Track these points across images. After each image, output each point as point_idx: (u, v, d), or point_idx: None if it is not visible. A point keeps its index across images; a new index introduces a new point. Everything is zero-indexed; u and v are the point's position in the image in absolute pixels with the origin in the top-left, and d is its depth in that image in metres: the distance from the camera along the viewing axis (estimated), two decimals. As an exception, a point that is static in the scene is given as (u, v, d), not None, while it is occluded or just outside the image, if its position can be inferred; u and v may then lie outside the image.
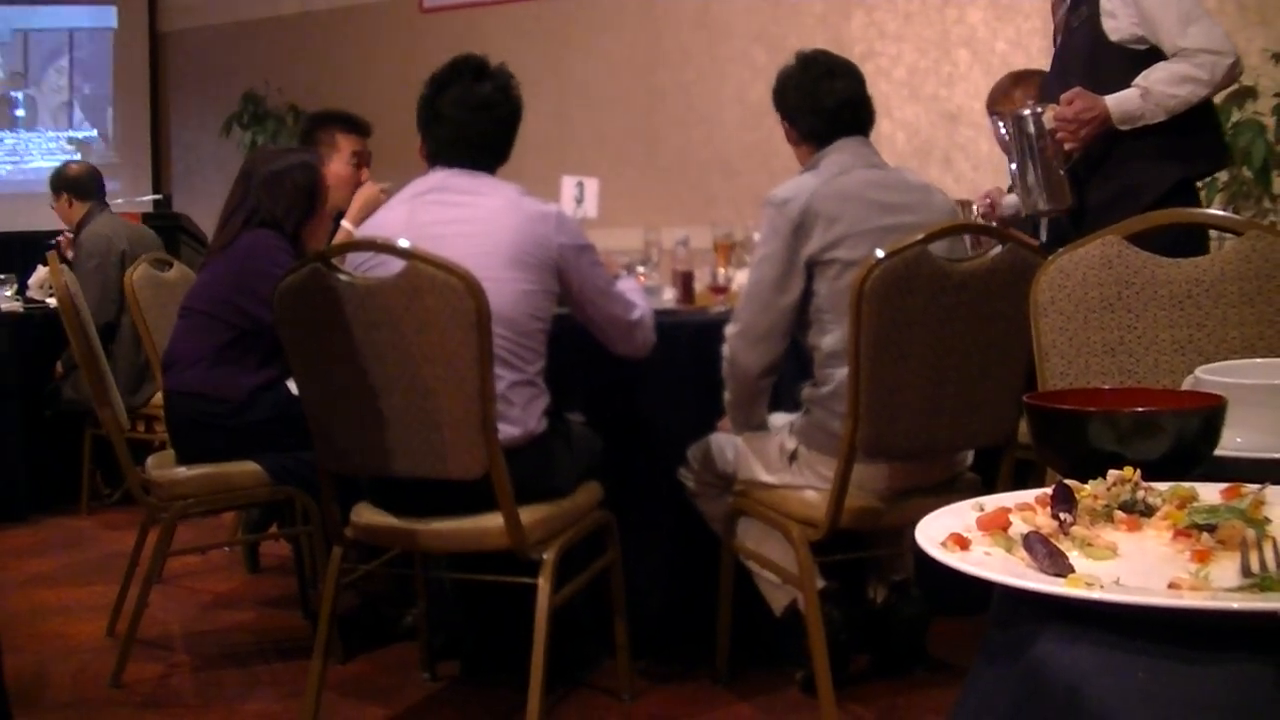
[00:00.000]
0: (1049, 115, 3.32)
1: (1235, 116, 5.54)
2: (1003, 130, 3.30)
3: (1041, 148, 3.29)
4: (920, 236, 2.70)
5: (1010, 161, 3.29)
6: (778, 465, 3.10)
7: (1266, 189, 5.53)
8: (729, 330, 3.13)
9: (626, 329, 3.14)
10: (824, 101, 3.10)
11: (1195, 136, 3.36)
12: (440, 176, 3.03)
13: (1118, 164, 3.36)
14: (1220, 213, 2.82)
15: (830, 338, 2.97)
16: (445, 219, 2.91)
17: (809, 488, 3.03)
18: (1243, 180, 5.52)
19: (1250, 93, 5.54)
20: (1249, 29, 5.71)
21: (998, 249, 2.85)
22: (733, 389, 3.17)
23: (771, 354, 3.05)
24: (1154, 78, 3.24)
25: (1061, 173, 3.32)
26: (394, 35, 8.05)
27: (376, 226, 3.02)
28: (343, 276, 2.74)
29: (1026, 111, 3.32)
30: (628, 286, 3.25)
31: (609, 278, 3.10)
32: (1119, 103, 3.26)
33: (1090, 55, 3.43)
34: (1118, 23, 3.36)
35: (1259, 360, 1.72)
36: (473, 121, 3.04)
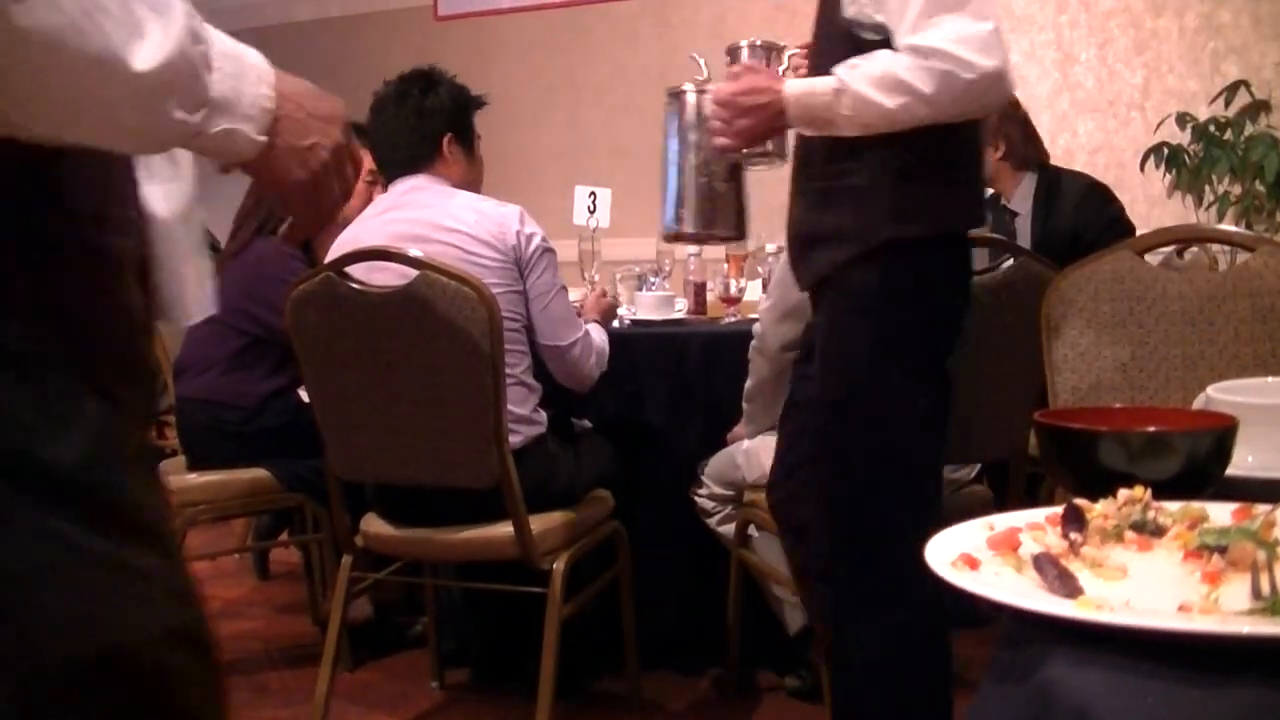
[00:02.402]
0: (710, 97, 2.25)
1: (1248, 130, 5.53)
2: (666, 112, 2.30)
3: (695, 142, 2.32)
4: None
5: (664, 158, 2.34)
6: None
7: (1279, 204, 5.52)
8: (761, 307, 3.11)
9: (556, 352, 3.05)
10: None
11: (932, 182, 2.24)
12: (394, 192, 3.07)
13: (835, 193, 2.28)
14: (1232, 229, 2.80)
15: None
16: (410, 234, 2.90)
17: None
18: (1255, 195, 5.51)
19: (1264, 106, 5.53)
20: (1263, 43, 5.70)
21: (1009, 262, 2.85)
22: (756, 367, 3.14)
23: (795, 330, 3.02)
24: (860, 73, 2.11)
25: (723, 182, 2.37)
26: (408, 43, 8.06)
27: (353, 241, 3.00)
28: (354, 285, 2.75)
29: (689, 87, 2.32)
30: (593, 330, 3.17)
31: (562, 293, 3.05)
32: (801, 95, 2.16)
33: (821, 33, 2.35)
34: None
35: (1270, 379, 1.71)
36: (380, 128, 3.11)
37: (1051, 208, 4.24)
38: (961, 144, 2.24)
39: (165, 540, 1.11)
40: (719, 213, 2.29)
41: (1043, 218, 4.23)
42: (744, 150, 2.23)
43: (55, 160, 0.99)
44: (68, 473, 0.99)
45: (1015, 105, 4.37)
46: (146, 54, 0.97)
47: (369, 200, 3.95)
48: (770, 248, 3.93)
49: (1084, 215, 4.16)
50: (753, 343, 3.13)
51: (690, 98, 2.25)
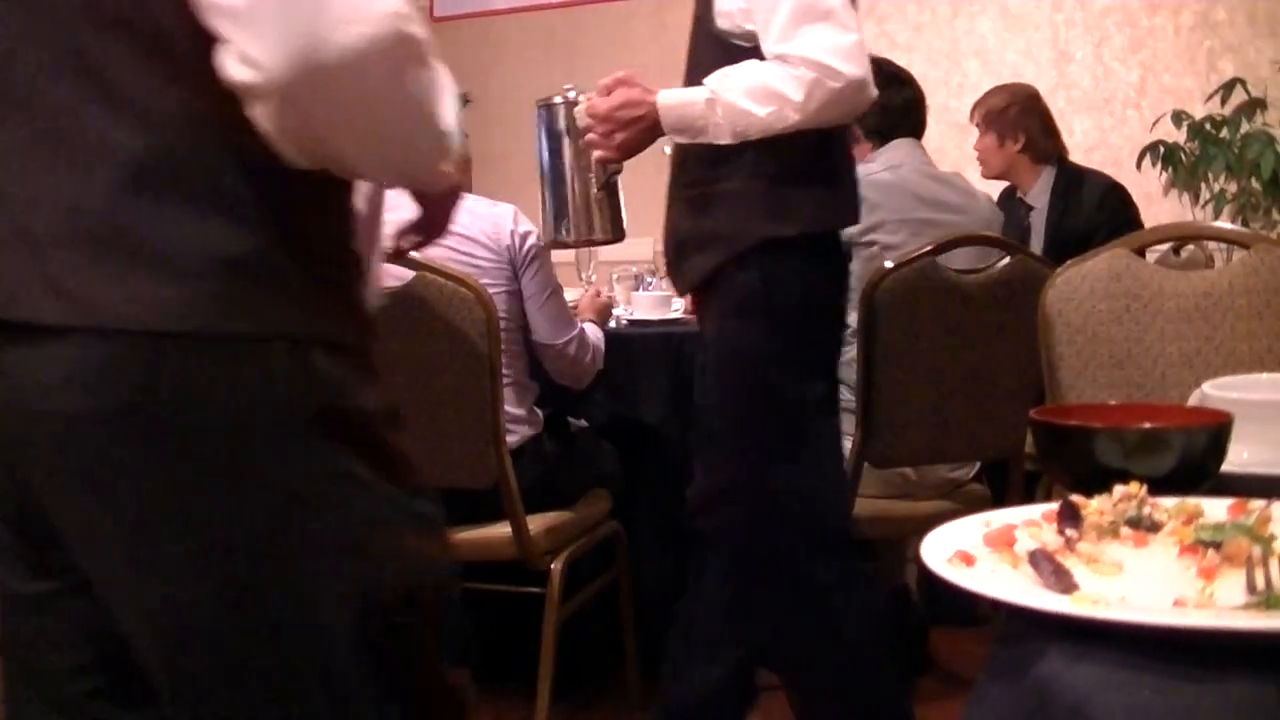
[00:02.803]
0: (583, 109, 2.31)
1: (1245, 128, 5.53)
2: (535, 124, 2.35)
3: (571, 152, 2.35)
4: (929, 247, 2.72)
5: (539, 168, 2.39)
6: None
7: (1276, 201, 5.52)
8: None
9: (553, 350, 3.06)
10: (892, 100, 3.13)
11: (805, 184, 2.31)
12: (387, 193, 3.07)
13: (711, 199, 2.35)
14: (1228, 226, 2.82)
15: (855, 316, 2.96)
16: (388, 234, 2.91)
17: None
18: (1251, 193, 5.51)
19: (1260, 104, 5.53)
20: (1259, 40, 5.71)
21: (1006, 260, 2.86)
22: None
23: None
24: (730, 82, 2.18)
25: (597, 191, 2.37)
26: (404, 44, 8.07)
27: None
28: (352, 287, 2.75)
29: (559, 99, 2.34)
30: (588, 329, 3.19)
31: (557, 291, 3.06)
32: (675, 106, 2.22)
33: (694, 44, 2.43)
34: (727, 3, 2.30)
35: (1265, 375, 1.72)
36: None
37: (1069, 204, 4.25)
38: (832, 146, 2.31)
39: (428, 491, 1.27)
40: (598, 219, 2.35)
41: (1059, 213, 4.24)
42: (623, 161, 2.31)
43: (348, 184, 1.21)
44: (373, 426, 1.19)
45: (1035, 98, 4.41)
46: (447, 113, 1.13)
47: None
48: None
49: (1102, 216, 4.16)
50: None
51: (561, 110, 2.32)
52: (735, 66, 2.18)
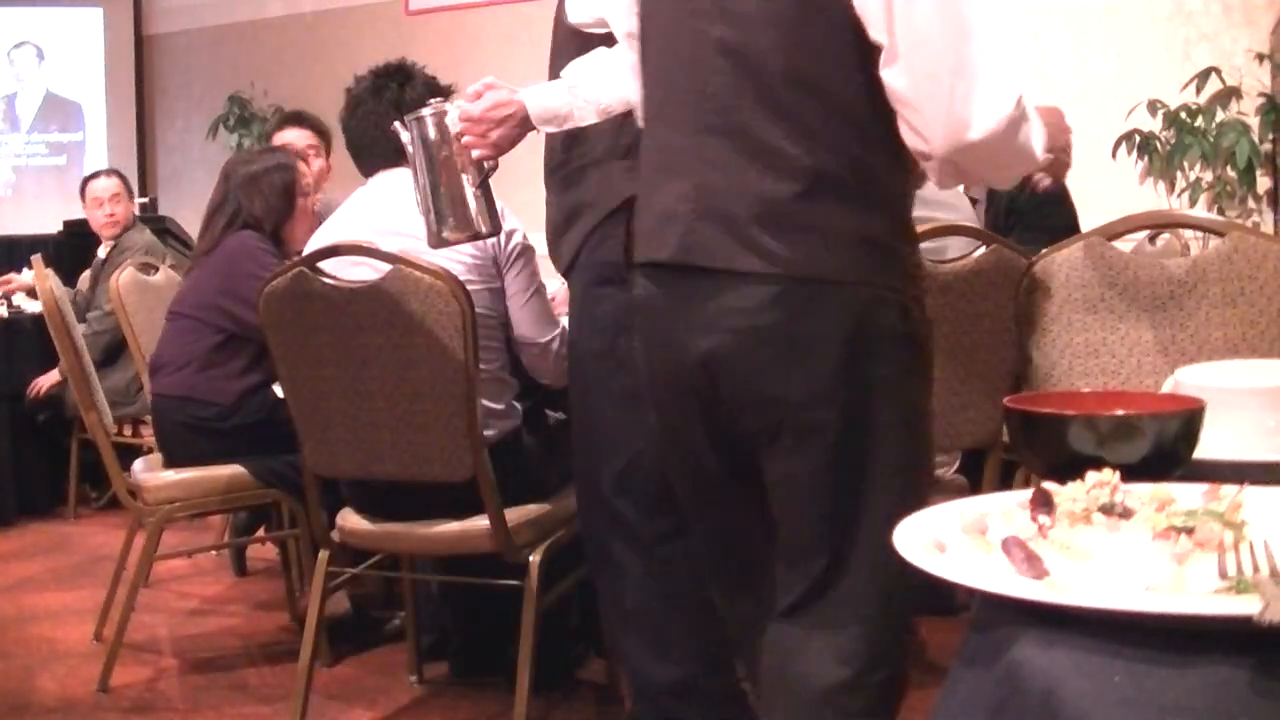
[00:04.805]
0: (455, 115, 2.48)
1: (1220, 116, 5.56)
2: (405, 139, 2.50)
3: (445, 157, 2.48)
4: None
5: (414, 178, 2.52)
6: None
7: (1251, 189, 5.55)
8: None
9: (535, 348, 3.07)
10: None
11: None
12: (373, 187, 3.12)
13: (578, 172, 2.62)
14: (1203, 214, 2.82)
15: None
16: (390, 229, 2.90)
17: None
18: (1226, 181, 5.54)
19: (1235, 93, 5.56)
20: (1234, 29, 5.73)
21: (981, 250, 2.86)
22: None
23: None
24: (584, 69, 2.40)
25: (473, 190, 2.51)
26: (379, 37, 8.03)
27: (331, 237, 3.01)
28: (327, 281, 2.74)
29: (427, 111, 2.51)
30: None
31: (540, 290, 3.07)
32: (540, 99, 2.41)
33: (554, 42, 2.67)
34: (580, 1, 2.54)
35: (1238, 362, 1.72)
36: (358, 122, 3.14)
37: (1005, 197, 4.24)
38: None
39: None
40: (478, 215, 2.48)
41: (997, 200, 4.24)
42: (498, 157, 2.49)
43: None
44: (929, 351, 1.77)
45: None
46: (1038, 142, 1.63)
47: (310, 217, 3.88)
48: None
49: (1044, 209, 4.16)
50: None
51: (430, 120, 2.46)
52: (586, 55, 2.37)
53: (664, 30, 1.79)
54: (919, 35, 1.57)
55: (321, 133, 4.67)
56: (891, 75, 1.60)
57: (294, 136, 4.57)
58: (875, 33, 1.60)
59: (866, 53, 1.60)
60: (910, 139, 1.61)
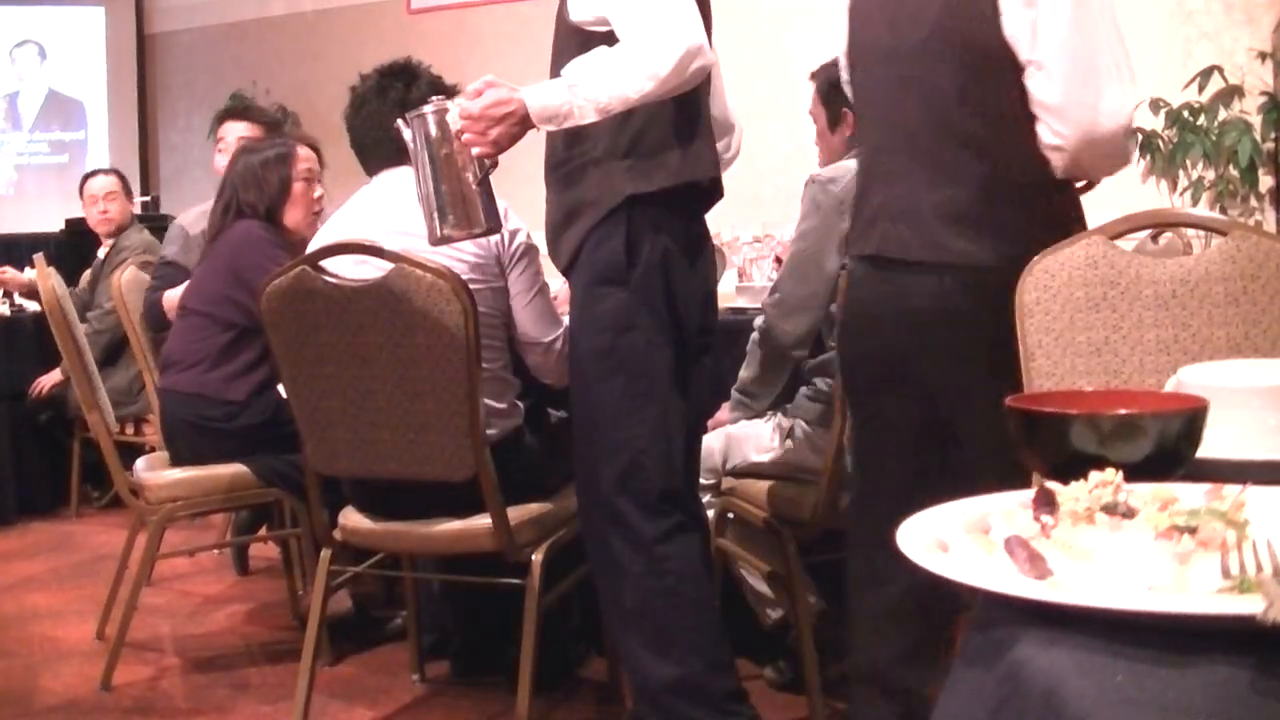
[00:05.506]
0: (455, 113, 2.51)
1: (1222, 115, 5.55)
2: (407, 136, 2.52)
3: (446, 155, 2.50)
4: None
5: (416, 175, 2.54)
6: (769, 445, 3.14)
7: (1253, 188, 5.55)
8: (766, 301, 3.19)
9: (538, 348, 3.07)
10: None
11: (662, 143, 2.59)
12: (377, 186, 3.13)
13: (578, 170, 2.62)
14: (1205, 213, 2.82)
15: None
16: (395, 227, 2.90)
17: (802, 465, 3.08)
18: (1229, 179, 5.53)
19: (1237, 91, 5.56)
20: (1235, 28, 5.72)
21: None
22: (761, 359, 3.23)
23: (806, 324, 3.09)
24: (584, 68, 2.43)
25: (474, 186, 2.52)
26: (381, 35, 8.04)
27: (336, 235, 2.99)
28: (329, 279, 2.74)
29: (428, 109, 2.54)
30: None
31: (543, 290, 3.07)
32: (540, 97, 2.43)
33: (556, 41, 2.67)
34: None
35: (1241, 360, 1.72)
36: (363, 122, 3.15)
37: None
38: (684, 104, 2.55)
39: None
40: (478, 212, 2.52)
41: None
42: (498, 155, 2.51)
43: None
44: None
45: None
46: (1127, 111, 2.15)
47: (310, 202, 3.86)
48: (745, 237, 3.93)
49: None
50: (754, 335, 3.17)
51: (431, 118, 2.49)
52: (587, 56, 2.42)
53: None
54: (1060, 51, 2.06)
55: (269, 126, 4.68)
56: (1036, 85, 2.08)
57: (239, 129, 4.58)
58: (1025, 53, 2.07)
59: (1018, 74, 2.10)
60: (1047, 136, 2.09)
